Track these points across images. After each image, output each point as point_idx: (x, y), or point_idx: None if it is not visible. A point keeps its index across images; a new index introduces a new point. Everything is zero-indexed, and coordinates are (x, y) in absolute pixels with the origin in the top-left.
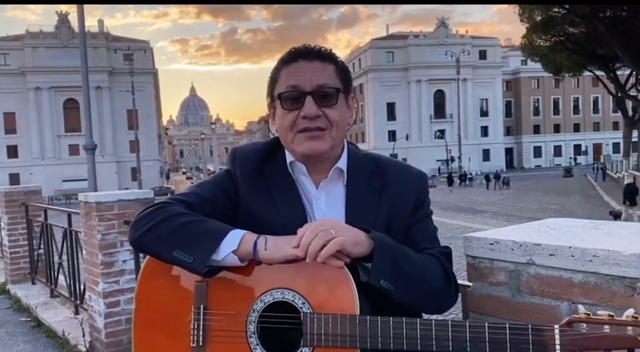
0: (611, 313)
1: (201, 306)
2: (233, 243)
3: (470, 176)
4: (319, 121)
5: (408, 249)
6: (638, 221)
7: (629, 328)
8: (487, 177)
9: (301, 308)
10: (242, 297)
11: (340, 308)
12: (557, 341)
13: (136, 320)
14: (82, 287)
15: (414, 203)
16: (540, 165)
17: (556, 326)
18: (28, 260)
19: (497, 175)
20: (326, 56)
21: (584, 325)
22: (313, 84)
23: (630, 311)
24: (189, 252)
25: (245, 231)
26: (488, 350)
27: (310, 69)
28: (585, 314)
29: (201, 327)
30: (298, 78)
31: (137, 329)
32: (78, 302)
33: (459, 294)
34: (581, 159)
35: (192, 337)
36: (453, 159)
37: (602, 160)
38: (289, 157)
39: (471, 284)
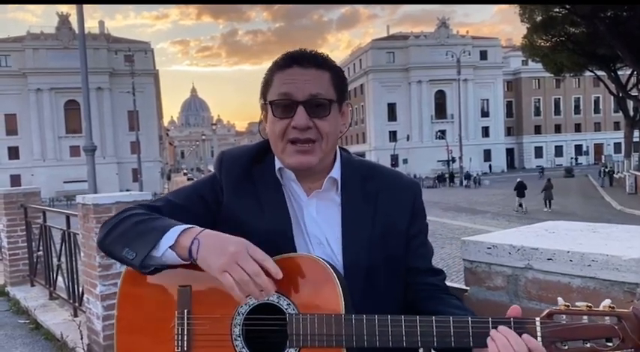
0: (589, 304)
1: (185, 311)
2: (172, 237)
3: (445, 177)
4: (309, 133)
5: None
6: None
7: (607, 318)
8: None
9: (286, 309)
10: (226, 301)
11: (326, 308)
12: (539, 333)
13: (119, 327)
14: (80, 289)
15: (411, 212)
16: (541, 166)
17: (537, 319)
18: (27, 262)
19: (468, 175)
20: (322, 63)
21: (564, 316)
22: (306, 93)
23: (607, 302)
24: (134, 249)
25: (189, 226)
26: (471, 343)
27: (304, 77)
28: (565, 305)
29: (185, 332)
30: (291, 86)
31: (120, 335)
32: (76, 304)
33: None
34: (582, 159)
35: (176, 342)
36: (454, 160)
37: (603, 160)
38: (278, 163)
39: (468, 288)
